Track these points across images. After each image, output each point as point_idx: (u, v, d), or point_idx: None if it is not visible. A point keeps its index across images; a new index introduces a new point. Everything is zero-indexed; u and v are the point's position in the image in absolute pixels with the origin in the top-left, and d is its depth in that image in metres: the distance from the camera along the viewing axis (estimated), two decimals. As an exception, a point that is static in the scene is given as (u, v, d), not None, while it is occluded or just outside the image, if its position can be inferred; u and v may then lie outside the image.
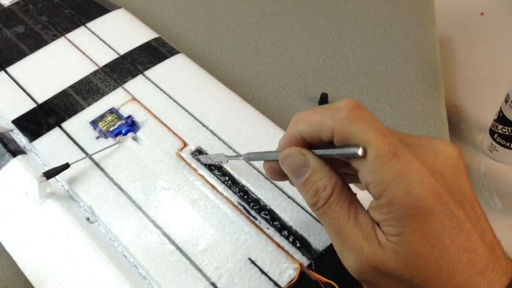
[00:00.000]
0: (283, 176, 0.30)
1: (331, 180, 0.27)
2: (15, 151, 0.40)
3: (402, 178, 0.24)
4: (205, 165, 0.39)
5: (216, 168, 0.39)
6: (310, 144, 0.28)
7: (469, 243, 0.25)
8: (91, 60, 0.47)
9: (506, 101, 0.49)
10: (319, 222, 0.36)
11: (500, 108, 0.50)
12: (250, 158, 0.33)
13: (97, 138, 0.41)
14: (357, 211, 0.27)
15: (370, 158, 0.25)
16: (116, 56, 0.47)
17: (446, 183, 0.25)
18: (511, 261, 0.26)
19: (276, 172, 0.30)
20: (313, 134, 0.28)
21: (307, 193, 0.28)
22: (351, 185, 0.29)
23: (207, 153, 0.40)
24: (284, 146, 0.29)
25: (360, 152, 0.25)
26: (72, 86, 0.45)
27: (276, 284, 0.33)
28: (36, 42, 0.48)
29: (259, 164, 0.39)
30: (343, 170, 0.29)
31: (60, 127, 0.42)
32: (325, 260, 0.34)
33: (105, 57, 0.47)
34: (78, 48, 0.48)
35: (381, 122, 0.26)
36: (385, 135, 0.25)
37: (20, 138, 0.42)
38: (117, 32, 0.49)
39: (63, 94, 0.44)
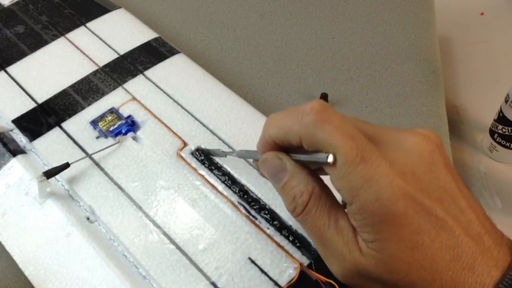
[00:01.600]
0: None
1: (308, 185, 0.27)
2: (15, 151, 0.40)
3: (370, 184, 0.24)
4: (204, 163, 0.39)
5: (216, 168, 0.39)
6: (286, 147, 0.28)
7: (451, 240, 0.24)
8: (91, 60, 0.47)
9: (506, 101, 0.49)
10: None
11: (500, 108, 0.50)
12: (241, 155, 0.34)
13: (97, 138, 0.41)
14: (337, 217, 0.26)
15: (338, 164, 0.24)
16: (116, 55, 0.47)
17: (419, 183, 0.25)
18: (504, 249, 0.25)
19: None
20: (283, 139, 0.27)
21: (286, 199, 0.28)
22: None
23: (206, 150, 0.40)
24: (260, 149, 0.29)
25: (330, 159, 0.24)
26: (72, 86, 0.45)
27: (276, 283, 0.33)
28: (36, 42, 0.48)
29: (259, 164, 0.39)
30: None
31: (60, 127, 0.42)
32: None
33: (105, 57, 0.47)
34: (78, 48, 0.48)
35: (350, 123, 0.25)
36: (353, 138, 0.25)
37: (20, 138, 0.42)
38: (117, 32, 0.49)
39: (63, 94, 0.44)
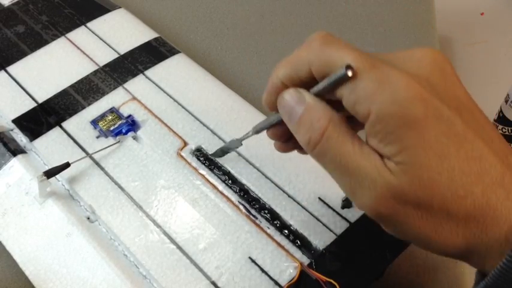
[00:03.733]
0: (287, 142, 0.30)
1: (326, 112, 0.25)
2: (16, 150, 0.40)
3: (385, 86, 0.23)
4: (204, 163, 0.39)
5: (216, 167, 0.39)
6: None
7: (476, 152, 0.23)
8: (91, 59, 0.47)
9: (506, 101, 0.49)
10: (320, 221, 0.36)
11: (500, 108, 0.50)
12: (257, 129, 0.33)
13: (97, 137, 0.41)
14: (360, 143, 0.25)
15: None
16: (116, 55, 0.47)
17: (434, 89, 0.24)
18: None
19: (280, 136, 0.30)
20: (292, 75, 0.27)
21: (301, 130, 0.26)
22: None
23: (207, 152, 0.40)
24: (267, 99, 0.29)
25: (349, 72, 0.24)
26: (72, 86, 0.45)
27: (276, 283, 0.33)
28: (37, 42, 0.48)
29: (259, 164, 0.39)
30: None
31: (61, 126, 0.42)
32: (325, 259, 0.34)
33: (106, 56, 0.47)
34: (79, 48, 0.48)
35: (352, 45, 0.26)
36: (361, 53, 0.24)
37: (20, 138, 0.42)
38: (117, 32, 0.49)
39: (63, 93, 0.44)
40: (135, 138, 0.41)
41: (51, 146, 0.41)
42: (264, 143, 0.40)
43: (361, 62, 0.24)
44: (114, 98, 0.44)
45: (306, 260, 0.34)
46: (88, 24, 0.50)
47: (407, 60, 0.25)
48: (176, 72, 0.46)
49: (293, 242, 0.35)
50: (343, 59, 0.24)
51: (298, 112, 0.26)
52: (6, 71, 0.46)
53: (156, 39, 0.49)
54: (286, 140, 0.30)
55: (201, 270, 0.34)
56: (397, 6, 0.58)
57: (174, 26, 0.55)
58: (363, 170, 0.24)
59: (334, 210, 0.36)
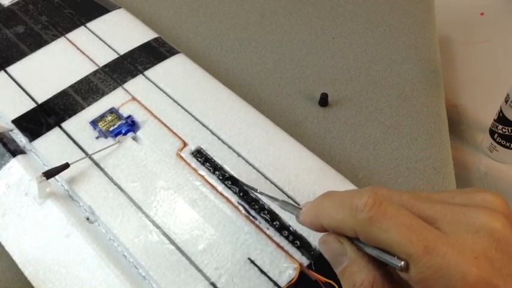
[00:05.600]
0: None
1: (369, 274, 0.26)
2: (15, 151, 0.40)
3: (440, 274, 0.23)
4: (204, 164, 0.39)
5: (215, 168, 0.39)
6: None
7: None
8: (91, 60, 0.47)
9: (506, 101, 0.49)
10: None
11: (500, 108, 0.50)
12: (282, 207, 0.33)
13: (97, 138, 0.41)
14: None
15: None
16: (116, 56, 0.47)
17: (491, 264, 0.23)
18: None
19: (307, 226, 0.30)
20: (336, 230, 0.27)
21: (345, 284, 0.27)
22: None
23: (207, 153, 0.40)
24: (306, 223, 0.29)
25: (402, 264, 0.24)
26: (72, 86, 0.45)
27: (275, 283, 0.33)
28: (36, 42, 0.48)
29: (259, 164, 0.39)
30: None
31: (60, 127, 0.42)
32: (324, 260, 0.34)
33: (105, 57, 0.47)
34: (78, 48, 0.48)
35: (406, 211, 0.25)
36: (411, 229, 0.24)
37: (20, 138, 0.42)
38: (117, 32, 0.49)
39: (63, 94, 0.44)
40: (134, 138, 0.41)
41: (50, 147, 0.41)
42: (263, 144, 0.40)
43: (414, 247, 0.23)
44: (114, 99, 0.44)
45: (305, 261, 0.34)
46: (88, 25, 0.50)
47: (466, 226, 0.24)
48: (176, 73, 0.46)
49: (292, 242, 0.35)
50: (392, 243, 0.24)
51: (340, 262, 0.27)
52: (6, 72, 0.46)
53: (155, 39, 0.49)
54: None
55: (200, 271, 0.34)
56: (397, 6, 0.58)
57: (174, 26, 0.55)
58: None
59: (333, 211, 0.36)
